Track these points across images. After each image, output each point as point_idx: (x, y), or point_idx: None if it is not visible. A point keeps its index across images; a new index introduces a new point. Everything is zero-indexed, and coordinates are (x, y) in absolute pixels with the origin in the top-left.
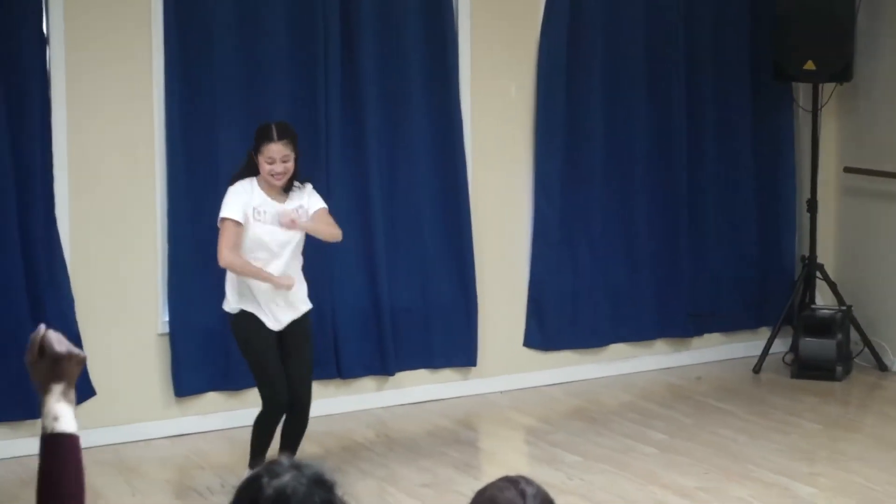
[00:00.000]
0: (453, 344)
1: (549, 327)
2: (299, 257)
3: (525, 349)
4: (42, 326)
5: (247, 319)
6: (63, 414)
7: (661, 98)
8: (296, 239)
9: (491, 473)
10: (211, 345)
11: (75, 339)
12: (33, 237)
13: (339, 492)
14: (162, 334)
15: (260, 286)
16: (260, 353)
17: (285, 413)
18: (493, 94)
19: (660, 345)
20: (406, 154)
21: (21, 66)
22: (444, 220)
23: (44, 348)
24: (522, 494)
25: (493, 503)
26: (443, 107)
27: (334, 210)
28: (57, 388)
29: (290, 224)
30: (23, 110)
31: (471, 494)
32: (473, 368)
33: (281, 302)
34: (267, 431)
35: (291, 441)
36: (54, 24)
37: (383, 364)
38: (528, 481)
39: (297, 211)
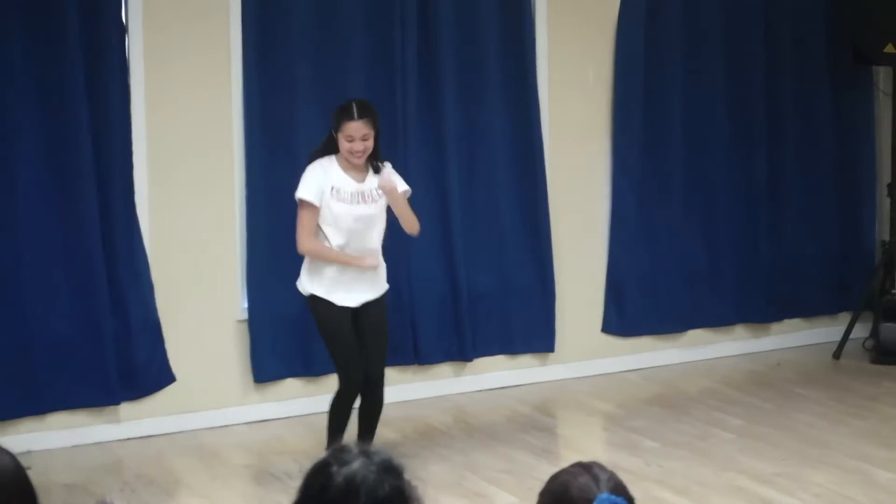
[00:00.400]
0: (531, 329)
1: (627, 313)
2: (380, 237)
3: (603, 335)
4: None
5: (318, 303)
6: None
7: (740, 82)
8: (376, 216)
9: (569, 459)
10: (290, 331)
11: (155, 325)
12: (114, 225)
13: (408, 477)
14: (241, 321)
15: (347, 272)
16: (335, 335)
17: (360, 393)
18: (570, 79)
19: (739, 330)
20: (483, 139)
21: (101, 54)
22: (522, 205)
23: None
24: (596, 480)
25: (566, 488)
26: (520, 91)
27: (412, 197)
28: None
29: (388, 186)
30: (102, 98)
31: None
32: (551, 354)
33: (361, 281)
34: (342, 411)
35: (368, 422)
36: (133, 12)
37: (461, 350)
38: (601, 467)
39: (378, 191)
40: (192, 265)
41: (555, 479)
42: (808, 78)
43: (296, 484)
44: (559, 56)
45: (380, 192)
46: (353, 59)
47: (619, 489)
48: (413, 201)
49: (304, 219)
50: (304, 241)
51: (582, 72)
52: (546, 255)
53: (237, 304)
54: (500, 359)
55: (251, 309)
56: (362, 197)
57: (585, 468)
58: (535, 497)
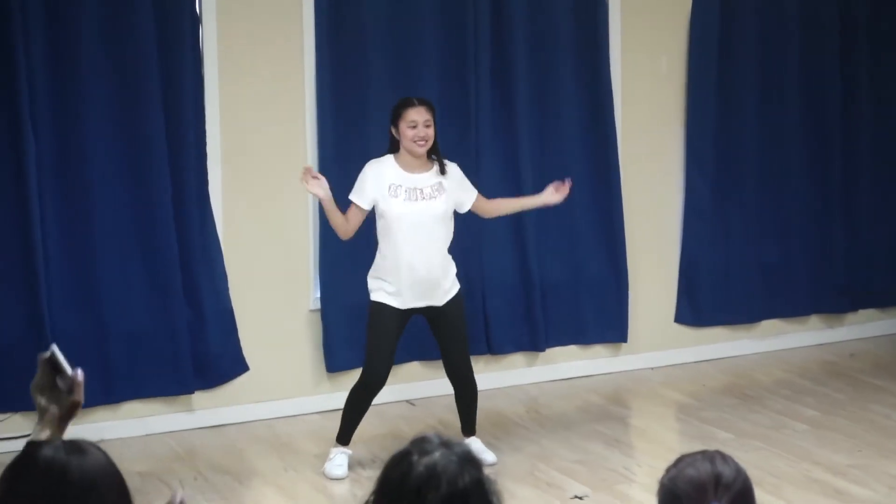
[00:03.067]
0: (604, 320)
1: (700, 303)
2: (446, 236)
3: (676, 325)
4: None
5: (377, 310)
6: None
7: (815, 70)
8: (437, 213)
9: (642, 450)
10: (361, 321)
11: (228, 315)
12: (187, 215)
13: (487, 471)
14: (313, 311)
15: (404, 272)
16: (373, 331)
17: (379, 391)
18: (643, 68)
19: (814, 320)
20: (556, 129)
21: (175, 45)
22: (595, 194)
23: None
24: (716, 480)
25: (681, 478)
26: (593, 81)
27: (483, 186)
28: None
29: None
30: (176, 90)
31: (622, 470)
32: (624, 344)
33: (421, 287)
34: (355, 402)
35: (466, 410)
36: (207, 3)
37: (533, 340)
38: (727, 460)
39: (436, 188)
40: (265, 255)
41: (678, 463)
42: (884, 65)
43: (367, 473)
44: (632, 45)
45: (440, 188)
46: (426, 49)
47: (739, 499)
48: (486, 193)
49: (350, 217)
50: (343, 234)
51: (655, 61)
52: (619, 245)
53: (310, 293)
54: (572, 349)
55: (324, 299)
56: (421, 193)
57: (710, 461)
58: (607, 487)
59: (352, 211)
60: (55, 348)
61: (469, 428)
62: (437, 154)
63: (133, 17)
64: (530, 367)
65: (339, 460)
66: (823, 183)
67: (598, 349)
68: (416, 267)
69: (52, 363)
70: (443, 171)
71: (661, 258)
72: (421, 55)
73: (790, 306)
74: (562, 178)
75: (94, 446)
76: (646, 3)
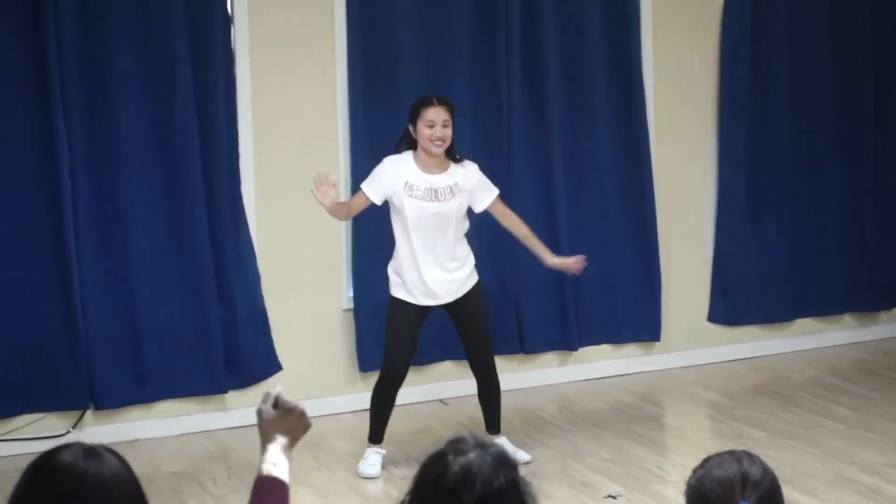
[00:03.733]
0: (637, 319)
1: (734, 301)
2: (461, 234)
3: (709, 324)
4: (279, 386)
5: (396, 305)
6: (281, 463)
7: (848, 66)
8: (450, 215)
9: (675, 449)
10: None
11: (261, 314)
12: (220, 214)
13: (523, 472)
14: (346, 310)
15: (412, 267)
16: (392, 326)
17: (400, 383)
18: (676, 66)
19: (847, 319)
20: (588, 127)
21: (207, 45)
22: (627, 193)
23: (278, 402)
24: (744, 479)
25: (709, 478)
26: (625, 80)
27: (516, 186)
28: (282, 441)
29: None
30: (208, 89)
31: (655, 469)
32: (657, 343)
33: (438, 281)
34: (379, 398)
35: (488, 407)
36: (238, 2)
37: (566, 339)
38: (754, 460)
39: (452, 189)
40: (298, 254)
41: (707, 461)
42: None
43: (401, 472)
44: (664, 44)
45: (455, 188)
46: (457, 51)
47: (766, 498)
48: (518, 191)
49: (352, 199)
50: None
51: (687, 60)
52: (652, 243)
53: (342, 293)
54: (605, 348)
55: (356, 298)
56: (435, 194)
57: (738, 461)
58: (640, 486)
59: (359, 198)
60: (281, 388)
61: (493, 425)
62: (453, 153)
63: (165, 19)
64: (563, 366)
65: (372, 459)
66: (857, 180)
67: (631, 348)
68: (429, 266)
69: (276, 400)
70: (457, 163)
71: (693, 256)
72: (452, 57)
73: (823, 305)
74: (595, 177)
75: (113, 453)
76: (678, 2)
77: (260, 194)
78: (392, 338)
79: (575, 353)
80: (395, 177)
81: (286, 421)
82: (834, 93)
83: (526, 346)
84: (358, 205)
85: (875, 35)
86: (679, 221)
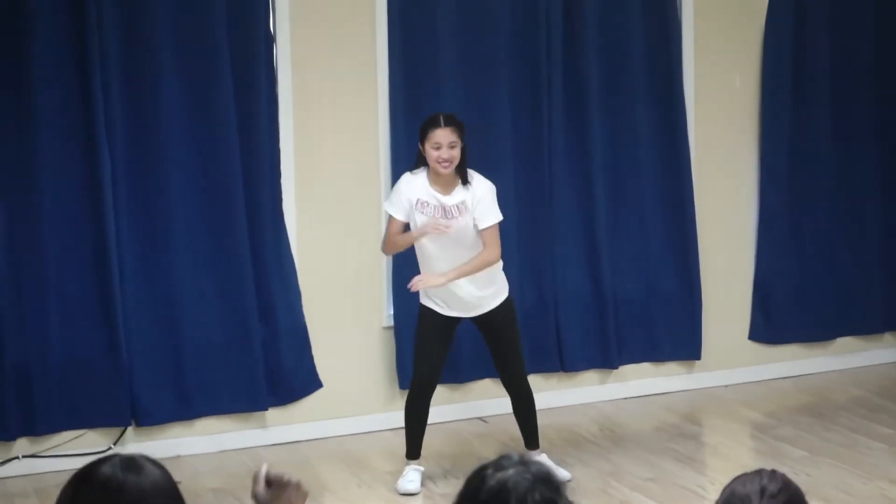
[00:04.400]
0: (677, 337)
1: (775, 320)
2: (476, 252)
3: (751, 342)
4: (265, 464)
5: (423, 313)
6: None
7: (891, 85)
8: (459, 233)
9: (715, 468)
10: None
11: (302, 332)
12: (262, 232)
13: (567, 492)
14: (387, 328)
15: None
16: (419, 335)
17: (430, 392)
18: (717, 84)
19: (889, 338)
20: (629, 143)
21: (249, 63)
22: (668, 210)
23: (271, 480)
24: (762, 493)
25: (732, 496)
26: (666, 97)
27: (556, 199)
28: None
29: (434, 230)
30: (250, 108)
31: (695, 488)
32: (698, 362)
33: (458, 298)
34: (410, 409)
35: (523, 423)
36: (280, 21)
37: (606, 357)
38: (775, 477)
39: (458, 207)
40: (339, 272)
41: (733, 481)
42: None
43: (440, 489)
44: (706, 61)
45: (462, 207)
46: (499, 67)
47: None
48: (558, 207)
49: (388, 230)
50: (384, 248)
51: (728, 77)
52: (692, 261)
53: (383, 310)
54: (645, 366)
55: (397, 316)
56: (444, 212)
57: (759, 477)
58: None
59: (393, 223)
60: (266, 466)
61: (532, 442)
62: (464, 172)
63: (208, 37)
64: (603, 384)
65: (410, 476)
66: None
67: (672, 366)
68: (449, 286)
69: (268, 478)
70: (466, 183)
71: (734, 274)
72: (493, 72)
73: (865, 323)
74: (636, 193)
75: (154, 463)
76: (719, 18)
77: (301, 213)
78: (420, 346)
79: (615, 371)
80: (409, 195)
81: (284, 497)
82: (876, 111)
83: (566, 364)
84: (396, 230)
85: None
86: (720, 239)
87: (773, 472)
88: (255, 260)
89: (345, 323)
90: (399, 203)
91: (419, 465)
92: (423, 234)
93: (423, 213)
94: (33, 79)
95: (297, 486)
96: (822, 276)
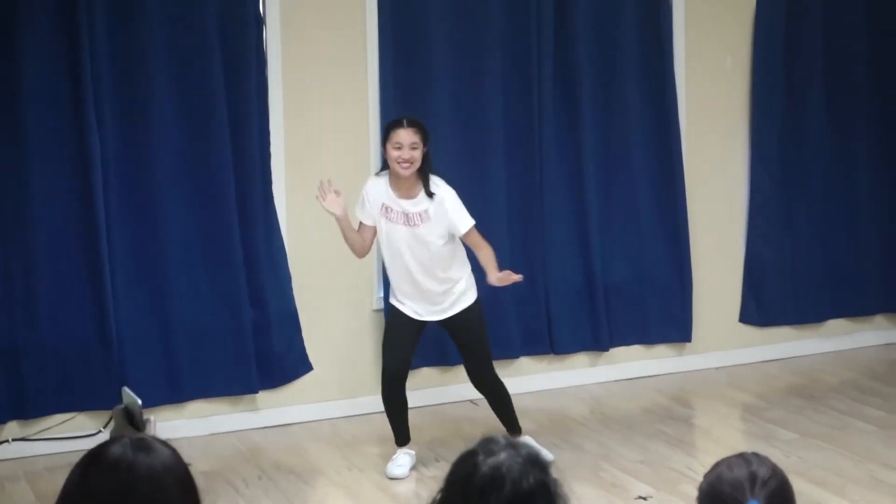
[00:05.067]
0: (668, 319)
1: (766, 302)
2: (441, 257)
3: (741, 324)
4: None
5: (391, 312)
6: None
7: (883, 67)
8: (422, 241)
9: (705, 450)
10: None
11: (293, 315)
12: (252, 216)
13: (554, 473)
14: (377, 311)
15: (402, 287)
16: (389, 336)
17: (402, 382)
18: (708, 66)
19: (880, 320)
20: (620, 127)
21: (239, 47)
22: (659, 194)
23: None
24: (752, 479)
25: (720, 481)
26: (657, 79)
27: (548, 185)
28: None
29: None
30: (240, 92)
31: (685, 471)
32: (688, 344)
33: (422, 300)
34: (389, 403)
35: (501, 412)
36: (270, 5)
37: (597, 340)
38: (763, 461)
39: (421, 215)
40: (329, 256)
41: (716, 467)
42: None
43: (431, 473)
44: (697, 44)
45: (424, 215)
46: (489, 53)
47: (776, 496)
48: (549, 191)
49: (361, 231)
50: (358, 252)
51: (720, 59)
52: (683, 244)
53: (373, 293)
54: (636, 349)
55: (387, 299)
56: (407, 219)
57: (746, 462)
58: (670, 487)
59: (362, 227)
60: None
61: (512, 427)
62: (426, 179)
63: (197, 22)
64: (594, 366)
65: (400, 460)
66: (890, 181)
67: (663, 349)
68: (407, 286)
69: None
70: (429, 195)
71: (725, 257)
72: (484, 59)
73: (856, 305)
74: (626, 177)
75: (163, 443)
76: (711, 1)
77: (291, 197)
78: (387, 341)
79: (606, 353)
80: (374, 197)
81: None
82: (868, 93)
83: (556, 347)
84: (366, 233)
85: None
86: (711, 222)
87: (759, 455)
88: (246, 243)
89: (335, 306)
90: (365, 207)
91: (410, 449)
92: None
93: (387, 218)
94: (23, 59)
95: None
96: (813, 258)
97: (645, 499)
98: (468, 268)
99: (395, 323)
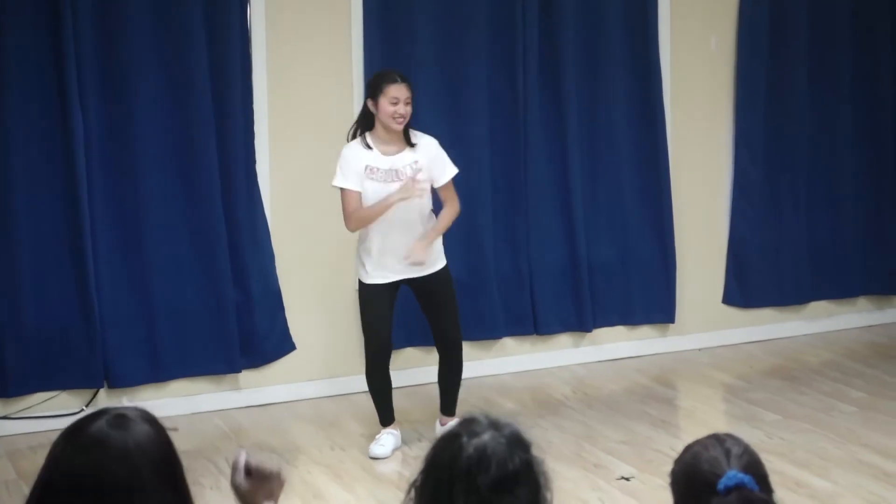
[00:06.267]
0: (651, 300)
1: (749, 284)
2: (424, 212)
3: (724, 306)
4: (243, 451)
5: (364, 290)
6: None
7: (868, 49)
8: (414, 196)
9: (688, 431)
10: (408, 301)
11: (275, 294)
12: (235, 195)
13: (536, 452)
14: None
15: (377, 246)
16: (365, 309)
17: (387, 359)
18: (692, 47)
19: (862, 302)
20: (604, 108)
21: (223, 23)
22: (643, 174)
23: (251, 469)
24: (727, 454)
25: (696, 460)
26: (642, 60)
27: (533, 167)
28: None
29: (410, 190)
30: (224, 69)
31: (668, 451)
32: (671, 325)
33: (396, 260)
34: (373, 383)
35: (449, 385)
36: None
37: (580, 320)
38: (736, 440)
39: (412, 167)
40: (313, 234)
41: (689, 448)
42: None
43: (414, 452)
44: (682, 24)
45: (415, 166)
46: (473, 31)
47: (752, 466)
48: (534, 173)
49: (348, 206)
50: (349, 223)
51: (704, 40)
52: (667, 225)
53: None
54: (619, 329)
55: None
56: (396, 174)
57: (719, 441)
58: (653, 468)
59: (351, 197)
60: (245, 454)
61: (449, 407)
62: (408, 131)
63: None
64: (577, 347)
65: (383, 440)
66: (874, 163)
67: (646, 330)
68: (394, 245)
69: (248, 468)
70: (411, 146)
71: (709, 239)
72: (469, 36)
73: (839, 287)
74: (610, 158)
75: (148, 421)
76: None
77: (275, 175)
78: (366, 320)
79: (589, 334)
80: (357, 164)
81: (266, 486)
82: (853, 75)
83: (539, 327)
84: (358, 203)
85: (894, 14)
86: (695, 203)
87: (731, 435)
88: (229, 222)
89: (319, 285)
90: (351, 174)
91: (394, 429)
92: (403, 198)
93: (373, 178)
94: (2, 35)
95: (277, 474)
96: (797, 240)
97: (627, 479)
98: None
99: (371, 300)
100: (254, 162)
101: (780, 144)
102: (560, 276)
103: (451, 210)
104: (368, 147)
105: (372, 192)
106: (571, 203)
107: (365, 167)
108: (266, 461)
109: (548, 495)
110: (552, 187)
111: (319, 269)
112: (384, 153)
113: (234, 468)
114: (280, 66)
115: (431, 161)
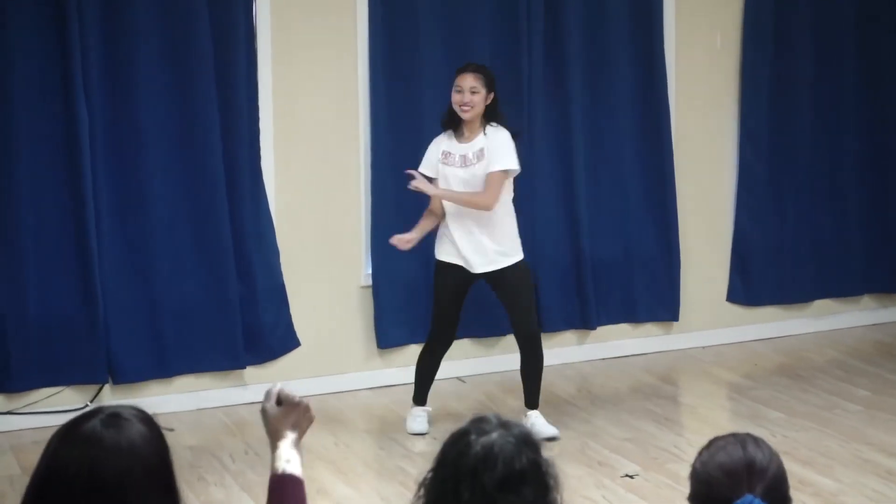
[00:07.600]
0: (655, 298)
1: (753, 282)
2: (485, 214)
3: (728, 304)
4: (278, 383)
5: (438, 269)
6: (294, 459)
7: (872, 46)
8: (475, 181)
9: (692, 429)
10: (413, 298)
11: (280, 290)
12: (240, 191)
13: (546, 454)
14: (365, 287)
15: (453, 232)
16: (437, 297)
17: (441, 346)
18: (697, 44)
19: (866, 300)
20: (609, 105)
21: (228, 17)
22: (647, 172)
23: (281, 399)
24: (750, 467)
25: (714, 465)
26: (646, 57)
27: (537, 164)
28: (291, 436)
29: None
30: (229, 63)
31: (672, 449)
32: (676, 323)
33: (471, 249)
34: (420, 364)
35: (527, 379)
36: None
37: (584, 318)
38: (758, 443)
39: (477, 154)
40: (317, 231)
41: (710, 445)
42: None
43: (418, 449)
44: (687, 21)
45: (480, 154)
46: (479, 25)
47: (774, 486)
48: (539, 170)
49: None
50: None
51: (709, 38)
52: (671, 223)
53: (361, 269)
54: (623, 327)
55: (375, 275)
56: (465, 160)
57: (741, 444)
58: (657, 466)
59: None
60: (281, 384)
61: (530, 401)
62: (484, 121)
63: None
64: (581, 345)
65: (417, 414)
66: (878, 161)
67: (650, 328)
68: (460, 231)
69: (279, 397)
70: (484, 134)
71: (713, 236)
72: (474, 31)
73: (843, 285)
74: (615, 155)
75: (143, 421)
76: None
77: (280, 171)
78: (435, 306)
79: (593, 332)
80: (436, 149)
81: (292, 416)
82: (857, 72)
83: (544, 324)
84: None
85: None
86: (699, 201)
87: (756, 438)
88: (234, 218)
89: (323, 282)
90: (428, 159)
91: (426, 407)
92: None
93: (446, 163)
94: (8, 27)
95: (306, 409)
96: (801, 238)
97: (632, 477)
98: (514, 225)
99: (442, 283)
100: (258, 158)
101: (784, 143)
102: (564, 274)
103: (476, 195)
104: (454, 134)
105: (443, 175)
106: (576, 201)
107: (442, 152)
108: (298, 395)
109: (557, 498)
110: (556, 185)
111: (324, 265)
112: (459, 140)
113: (267, 396)
114: (285, 62)
115: (489, 150)
